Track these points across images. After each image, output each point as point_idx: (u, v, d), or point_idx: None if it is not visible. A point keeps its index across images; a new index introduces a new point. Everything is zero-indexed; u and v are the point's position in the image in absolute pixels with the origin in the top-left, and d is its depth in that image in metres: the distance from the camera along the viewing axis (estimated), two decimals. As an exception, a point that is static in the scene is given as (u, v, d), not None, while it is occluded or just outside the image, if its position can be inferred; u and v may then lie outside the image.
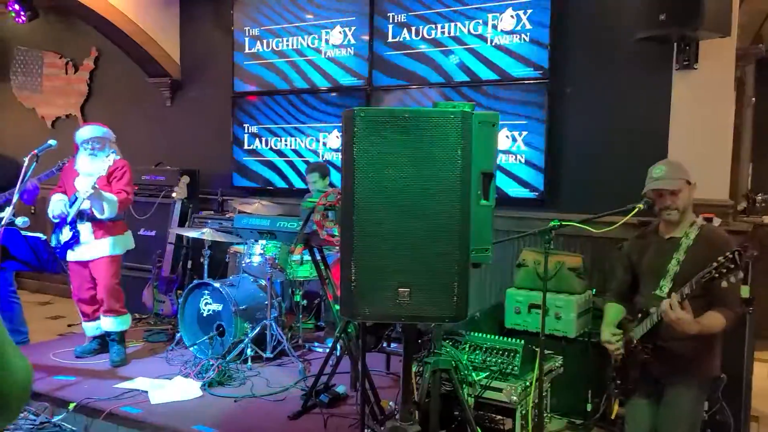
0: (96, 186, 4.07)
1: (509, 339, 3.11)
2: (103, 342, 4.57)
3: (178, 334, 4.71)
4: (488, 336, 3.17)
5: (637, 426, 2.75)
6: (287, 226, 3.73)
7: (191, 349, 4.53)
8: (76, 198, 4.19)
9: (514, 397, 2.84)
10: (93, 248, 4.31)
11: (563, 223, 2.78)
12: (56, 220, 4.26)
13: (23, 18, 6.85)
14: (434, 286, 2.10)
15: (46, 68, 7.68)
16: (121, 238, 4.45)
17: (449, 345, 3.04)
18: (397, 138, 2.07)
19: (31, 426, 3.65)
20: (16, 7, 6.75)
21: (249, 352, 4.35)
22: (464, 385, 2.90)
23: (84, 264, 4.34)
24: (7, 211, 3.67)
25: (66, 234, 4.21)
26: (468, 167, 2.08)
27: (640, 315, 2.72)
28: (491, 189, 2.80)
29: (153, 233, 6.09)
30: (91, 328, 4.53)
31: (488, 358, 3.02)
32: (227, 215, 5.84)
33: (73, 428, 3.61)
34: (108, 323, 4.38)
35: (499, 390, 2.88)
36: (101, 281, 4.35)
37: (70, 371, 4.21)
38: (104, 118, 7.22)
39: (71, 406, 3.67)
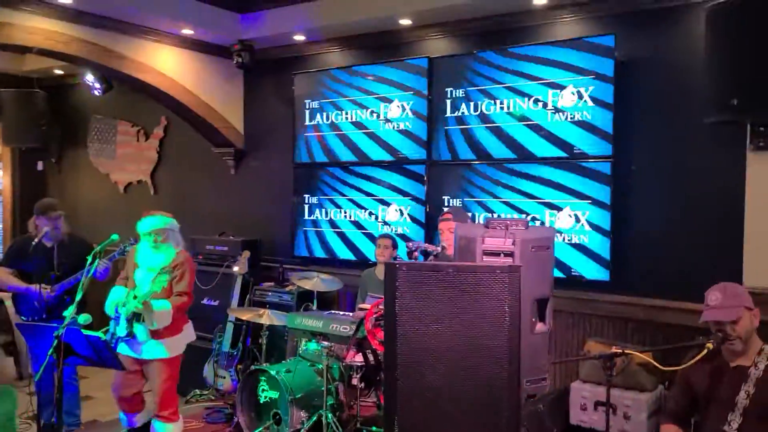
0: (146, 302, 3.90)
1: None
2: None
3: (236, 418, 4.71)
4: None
5: None
6: (340, 329, 3.68)
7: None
8: (132, 298, 4.00)
9: None
10: (148, 348, 4.07)
11: (626, 352, 2.59)
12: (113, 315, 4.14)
13: (99, 90, 7.22)
14: (482, 449, 1.98)
15: (119, 136, 8.03)
16: (180, 337, 4.23)
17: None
18: (441, 292, 1.98)
19: None
20: (92, 79, 7.14)
21: (305, 442, 4.30)
22: None
23: (136, 360, 4.11)
24: (71, 310, 3.76)
25: (122, 330, 4.07)
26: (516, 323, 1.96)
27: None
28: (547, 312, 2.68)
29: (216, 303, 6.18)
30: (127, 420, 4.32)
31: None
32: (287, 287, 5.86)
33: None
34: (156, 429, 4.17)
35: None
36: (155, 385, 4.16)
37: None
38: (172, 184, 7.51)
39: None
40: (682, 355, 2.69)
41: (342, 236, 6.00)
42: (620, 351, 2.61)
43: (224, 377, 5.48)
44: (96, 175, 8.29)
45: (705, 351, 2.43)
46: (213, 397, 5.54)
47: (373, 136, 5.77)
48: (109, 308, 4.13)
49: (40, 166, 8.85)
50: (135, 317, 4.02)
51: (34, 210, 4.80)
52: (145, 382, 4.24)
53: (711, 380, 2.58)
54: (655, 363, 2.54)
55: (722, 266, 4.10)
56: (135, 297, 3.97)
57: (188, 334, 4.33)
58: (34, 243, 4.72)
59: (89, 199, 8.33)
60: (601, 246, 4.61)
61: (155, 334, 4.06)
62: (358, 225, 5.89)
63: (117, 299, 4.10)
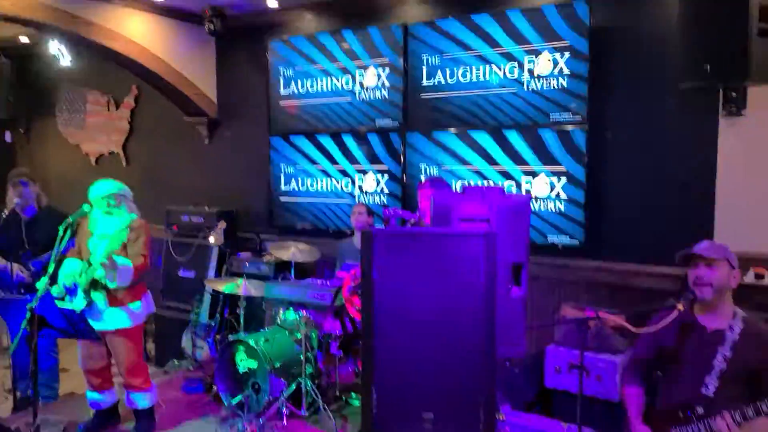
0: (111, 257, 3.78)
1: (546, 428, 2.99)
2: (109, 415, 4.27)
3: (215, 387, 4.72)
4: (523, 423, 3.06)
5: None
6: (318, 298, 3.68)
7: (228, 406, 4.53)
8: (88, 266, 3.88)
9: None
10: (108, 318, 3.92)
11: (599, 316, 2.64)
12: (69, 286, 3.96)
13: (66, 59, 7.05)
14: (459, 412, 2.01)
15: (89, 105, 7.86)
16: (140, 304, 4.05)
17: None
18: (417, 259, 1.99)
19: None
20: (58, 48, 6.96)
21: (284, 410, 4.32)
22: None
23: (99, 332, 3.89)
24: (44, 282, 3.71)
25: (79, 302, 3.90)
26: (492, 289, 1.98)
27: (682, 413, 2.56)
28: (522, 277, 2.71)
29: (192, 274, 6.15)
30: (97, 401, 4.18)
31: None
32: (265, 258, 5.84)
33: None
34: (131, 400, 4.10)
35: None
36: (119, 357, 4.00)
37: (111, 430, 4.25)
38: (145, 155, 7.40)
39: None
40: (652, 317, 2.73)
41: (319, 206, 5.97)
42: (594, 315, 2.66)
43: (202, 348, 5.49)
44: (66, 146, 8.13)
45: (676, 313, 2.47)
46: (191, 368, 5.53)
47: (348, 104, 5.72)
48: (66, 281, 3.93)
49: (8, 137, 8.65)
50: (93, 285, 3.89)
51: None
52: (110, 356, 4.13)
53: (684, 343, 2.62)
54: (628, 326, 2.58)
55: (694, 231, 4.17)
56: (91, 265, 3.85)
57: (148, 303, 4.17)
58: (4, 216, 4.63)
59: (60, 170, 8.18)
60: (576, 212, 4.65)
61: (115, 302, 3.94)
62: (334, 194, 5.87)
63: (72, 271, 3.93)
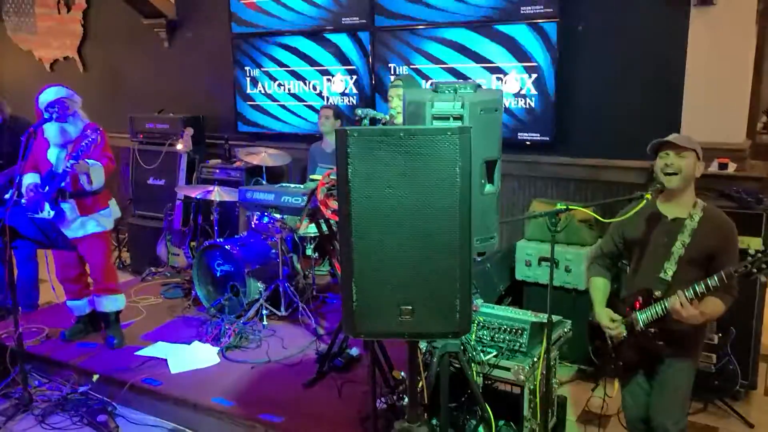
0: (82, 159, 3.77)
1: (517, 317, 3.12)
2: (91, 320, 4.40)
3: (194, 292, 4.79)
4: (496, 314, 3.18)
5: (636, 402, 2.80)
6: (292, 201, 3.69)
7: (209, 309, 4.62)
8: (54, 174, 3.85)
9: (522, 376, 2.89)
10: (79, 226, 4.01)
11: (570, 207, 2.69)
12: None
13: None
14: (436, 304, 2.07)
15: (38, 8, 7.43)
16: (108, 211, 4.15)
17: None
18: (392, 157, 1.98)
19: (59, 395, 3.80)
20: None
21: (264, 311, 4.44)
22: (472, 364, 2.94)
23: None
24: (11, 192, 3.65)
25: (47, 213, 3.86)
26: (467, 185, 2.00)
27: (641, 297, 2.68)
28: (495, 173, 2.74)
29: (162, 182, 6.08)
30: (78, 308, 4.32)
31: (496, 335, 3.05)
32: (235, 163, 5.78)
33: (103, 398, 3.73)
34: (103, 304, 4.22)
35: (507, 369, 2.92)
36: (93, 261, 4.14)
37: (92, 338, 4.33)
38: (102, 60, 7.10)
39: (95, 377, 3.80)
40: (621, 209, 2.81)
41: (287, 109, 5.86)
42: (564, 207, 2.72)
43: (178, 254, 5.52)
44: (17, 53, 7.74)
45: (643, 201, 2.54)
46: (168, 275, 5.59)
47: (311, 2, 5.49)
48: (24, 199, 3.88)
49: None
50: (60, 195, 3.90)
51: None
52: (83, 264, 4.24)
53: (647, 232, 2.70)
54: (596, 216, 2.65)
55: (662, 124, 4.22)
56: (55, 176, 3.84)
57: (114, 210, 4.24)
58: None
59: (13, 79, 7.83)
60: (546, 108, 4.65)
61: (85, 210, 4.02)
62: (303, 97, 5.75)
63: (30, 191, 3.90)
